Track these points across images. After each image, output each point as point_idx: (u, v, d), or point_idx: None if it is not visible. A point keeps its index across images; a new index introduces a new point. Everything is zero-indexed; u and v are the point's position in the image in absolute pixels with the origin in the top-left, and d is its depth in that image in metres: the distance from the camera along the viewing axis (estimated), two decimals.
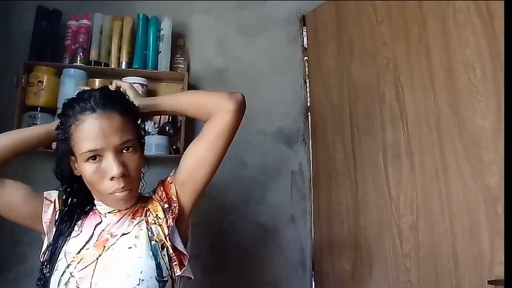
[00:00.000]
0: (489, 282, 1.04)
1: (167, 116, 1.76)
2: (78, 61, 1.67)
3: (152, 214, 0.89)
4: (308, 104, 1.92)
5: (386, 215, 1.42)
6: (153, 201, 0.92)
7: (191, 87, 1.81)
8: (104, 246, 0.85)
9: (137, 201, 0.92)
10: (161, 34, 1.75)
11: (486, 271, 1.07)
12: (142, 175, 0.91)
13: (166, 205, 0.89)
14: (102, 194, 0.85)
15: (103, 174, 0.81)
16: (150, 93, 1.75)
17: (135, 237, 0.85)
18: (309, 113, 1.92)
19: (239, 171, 1.82)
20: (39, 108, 1.61)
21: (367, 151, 1.54)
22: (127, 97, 0.92)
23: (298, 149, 1.90)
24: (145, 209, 0.91)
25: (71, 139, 0.82)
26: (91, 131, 0.80)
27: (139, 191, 0.93)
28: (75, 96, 0.88)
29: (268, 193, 1.83)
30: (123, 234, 0.86)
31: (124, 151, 0.83)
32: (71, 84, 1.62)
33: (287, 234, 1.81)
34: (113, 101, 0.85)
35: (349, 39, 1.68)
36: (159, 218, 0.88)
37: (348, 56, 1.68)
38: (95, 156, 0.80)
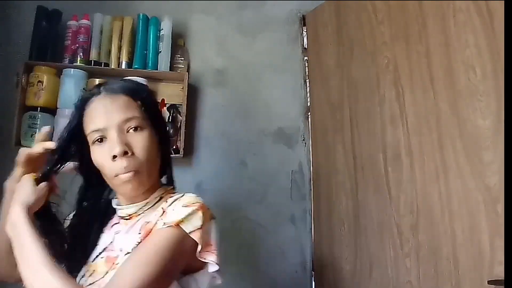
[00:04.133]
0: (489, 282, 1.04)
1: (167, 116, 1.77)
2: (78, 61, 1.67)
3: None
4: (308, 104, 1.92)
5: (386, 215, 1.42)
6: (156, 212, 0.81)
7: (191, 87, 1.82)
8: (113, 264, 0.78)
9: (155, 198, 0.84)
10: (161, 34, 1.75)
11: (486, 271, 1.07)
12: (164, 163, 0.87)
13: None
14: (109, 178, 0.79)
15: (107, 155, 0.76)
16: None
17: None
18: (309, 113, 1.92)
19: (239, 171, 1.82)
20: (39, 108, 1.61)
21: (367, 151, 1.54)
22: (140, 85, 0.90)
23: (298, 149, 1.90)
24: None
25: (83, 127, 0.80)
26: (94, 111, 0.78)
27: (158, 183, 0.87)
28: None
29: (268, 193, 1.83)
30: (127, 252, 0.77)
31: (130, 131, 0.78)
32: (71, 84, 1.62)
33: (287, 234, 1.81)
34: (119, 84, 0.83)
35: (349, 39, 1.68)
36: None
37: (348, 56, 1.68)
38: (101, 138, 0.77)
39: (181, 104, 1.75)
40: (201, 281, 0.81)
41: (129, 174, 0.75)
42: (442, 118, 1.25)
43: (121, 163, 0.75)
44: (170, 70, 1.75)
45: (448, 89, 1.24)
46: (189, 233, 0.73)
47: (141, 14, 1.75)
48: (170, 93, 1.80)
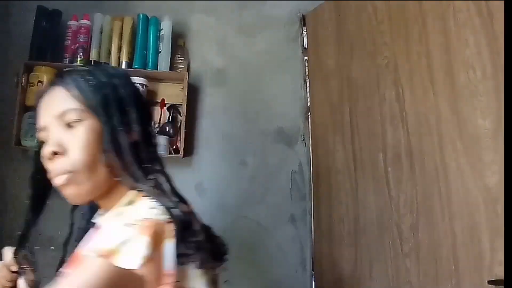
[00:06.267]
0: (489, 282, 1.04)
1: (167, 116, 1.77)
2: (78, 61, 1.67)
3: None
4: (308, 104, 1.92)
5: (386, 215, 1.42)
6: None
7: (191, 87, 1.81)
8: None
9: (125, 205, 0.65)
10: (161, 34, 1.75)
11: (486, 271, 1.07)
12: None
13: None
14: None
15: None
16: (150, 93, 1.75)
17: None
18: (309, 113, 1.92)
19: (239, 171, 1.82)
20: None
21: (367, 151, 1.54)
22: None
23: (298, 149, 1.90)
24: None
25: None
26: (38, 109, 0.68)
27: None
28: None
29: (268, 193, 1.83)
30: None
31: (71, 126, 0.64)
32: None
33: (287, 234, 1.81)
34: (64, 73, 0.69)
35: (349, 39, 1.68)
36: None
37: (348, 56, 1.68)
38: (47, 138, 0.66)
39: (181, 104, 1.75)
40: None
41: (62, 177, 0.63)
42: (442, 118, 1.25)
43: (53, 165, 0.64)
44: (170, 70, 1.75)
45: (448, 89, 1.24)
46: (131, 268, 0.53)
47: (141, 14, 1.75)
48: (170, 93, 1.80)
